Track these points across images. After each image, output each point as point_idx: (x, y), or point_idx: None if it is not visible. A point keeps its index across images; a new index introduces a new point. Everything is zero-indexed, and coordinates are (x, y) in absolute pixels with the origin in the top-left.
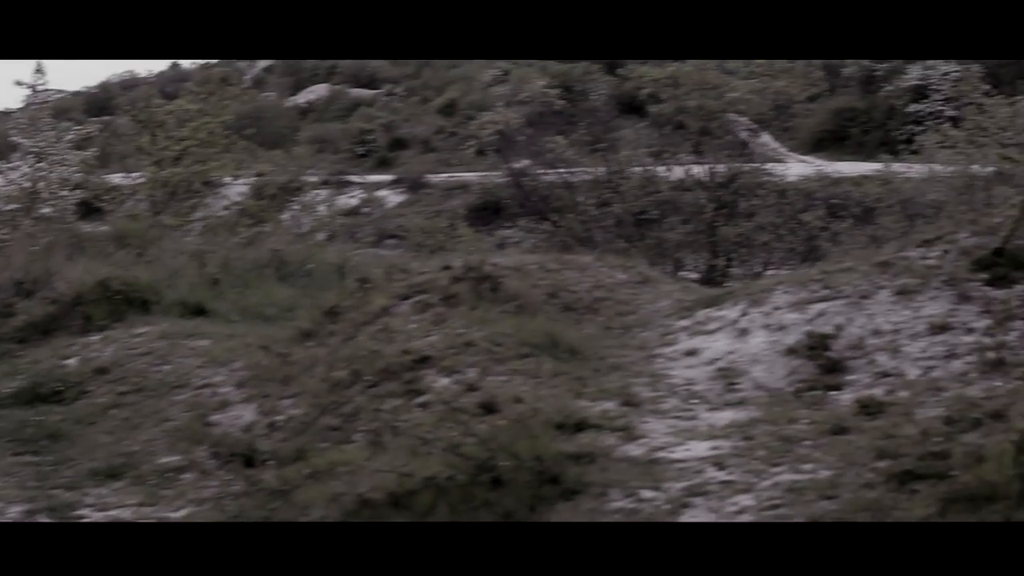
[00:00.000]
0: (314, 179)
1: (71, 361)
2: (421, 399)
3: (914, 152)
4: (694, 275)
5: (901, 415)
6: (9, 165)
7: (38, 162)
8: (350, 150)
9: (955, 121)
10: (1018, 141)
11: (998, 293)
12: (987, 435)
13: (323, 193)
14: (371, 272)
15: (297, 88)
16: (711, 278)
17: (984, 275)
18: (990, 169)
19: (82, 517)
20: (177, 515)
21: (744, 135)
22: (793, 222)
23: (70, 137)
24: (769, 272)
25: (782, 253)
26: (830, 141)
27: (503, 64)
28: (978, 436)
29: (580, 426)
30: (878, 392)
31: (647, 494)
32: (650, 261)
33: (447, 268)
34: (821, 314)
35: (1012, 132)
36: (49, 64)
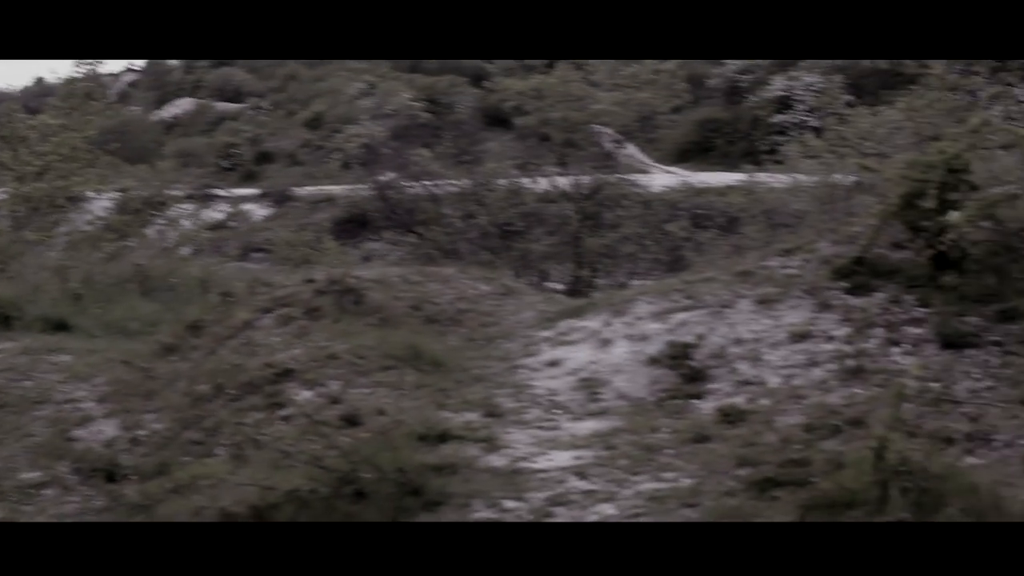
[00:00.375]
0: (179, 193)
1: None
2: (284, 412)
3: (778, 162)
4: (560, 286)
5: (762, 423)
6: None
7: None
8: (216, 164)
9: (818, 131)
10: (879, 150)
11: (858, 301)
12: (846, 442)
13: (188, 207)
14: (234, 286)
15: (162, 102)
16: (576, 289)
17: (844, 283)
18: (851, 178)
19: None
20: None
21: (609, 146)
22: (658, 232)
23: None
24: (634, 282)
25: (647, 263)
26: (695, 152)
27: (369, 77)
28: (838, 443)
29: (443, 437)
30: (739, 400)
31: (509, 504)
32: (516, 273)
33: (310, 281)
34: (683, 324)
35: (873, 141)
36: None
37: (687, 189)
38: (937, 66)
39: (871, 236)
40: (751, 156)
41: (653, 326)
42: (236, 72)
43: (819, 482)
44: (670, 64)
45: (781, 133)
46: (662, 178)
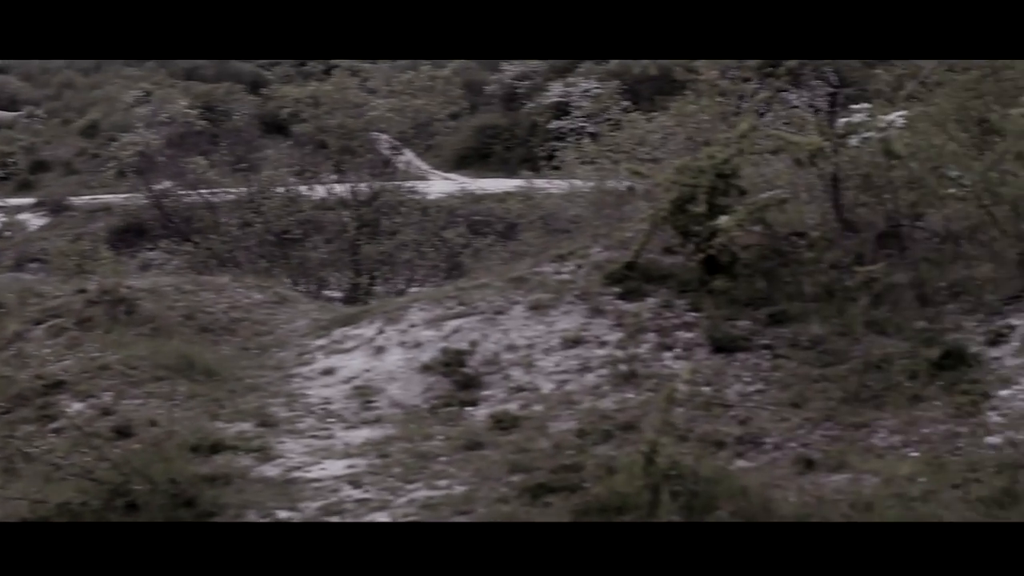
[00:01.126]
0: None
1: None
2: (55, 424)
3: (555, 168)
4: (338, 294)
5: (535, 429)
6: None
7: None
8: None
9: (594, 137)
10: (653, 156)
11: (630, 306)
12: (618, 447)
13: None
14: (4, 297)
15: None
16: (354, 297)
17: (616, 289)
18: (624, 184)
19: None
20: None
21: (387, 153)
22: (436, 239)
23: None
24: (412, 289)
25: (425, 271)
26: (474, 158)
27: (146, 85)
28: (610, 448)
29: (216, 448)
30: (513, 407)
31: (283, 515)
32: (293, 281)
33: (82, 291)
34: (456, 331)
35: (648, 147)
36: None
37: (466, 195)
38: (707, 71)
39: (642, 241)
40: (529, 162)
41: (427, 333)
42: (10, 80)
43: (591, 487)
44: (447, 70)
45: (559, 139)
46: (441, 185)
